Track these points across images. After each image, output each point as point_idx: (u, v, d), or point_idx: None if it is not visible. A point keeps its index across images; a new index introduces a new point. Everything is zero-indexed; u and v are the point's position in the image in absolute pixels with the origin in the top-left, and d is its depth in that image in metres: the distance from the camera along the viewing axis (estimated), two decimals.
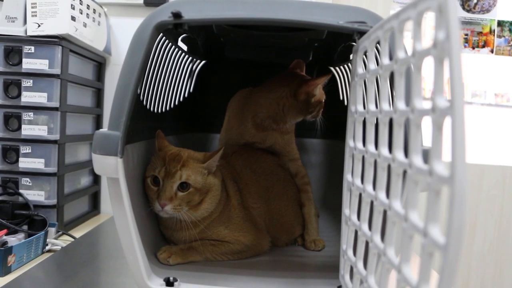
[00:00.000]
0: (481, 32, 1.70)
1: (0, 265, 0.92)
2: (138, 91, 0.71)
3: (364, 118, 0.54)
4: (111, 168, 0.57)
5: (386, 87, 0.46)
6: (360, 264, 0.55)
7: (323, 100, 1.01)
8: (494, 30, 1.70)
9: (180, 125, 1.22)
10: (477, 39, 1.70)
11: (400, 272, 0.39)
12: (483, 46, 1.70)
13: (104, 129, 0.62)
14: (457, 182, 0.28)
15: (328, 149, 1.35)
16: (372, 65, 0.50)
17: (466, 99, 2.52)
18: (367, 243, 0.52)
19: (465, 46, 1.71)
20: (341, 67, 1.13)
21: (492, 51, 1.71)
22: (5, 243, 1.02)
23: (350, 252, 0.60)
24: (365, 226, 0.53)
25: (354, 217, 0.58)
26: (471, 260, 1.74)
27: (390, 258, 0.43)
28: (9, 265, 0.95)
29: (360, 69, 0.56)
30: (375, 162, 0.49)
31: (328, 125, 1.33)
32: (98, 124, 1.56)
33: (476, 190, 1.72)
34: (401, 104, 0.40)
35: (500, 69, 2.09)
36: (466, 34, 1.71)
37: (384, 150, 0.45)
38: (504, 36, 1.71)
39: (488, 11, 1.69)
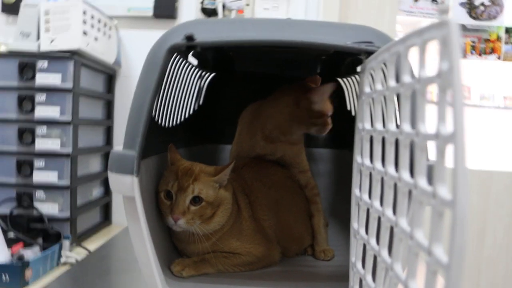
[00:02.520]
0: (488, 39, 1.71)
1: (18, 280, 0.95)
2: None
3: (371, 136, 0.55)
4: (127, 186, 0.59)
5: (393, 107, 0.47)
6: (369, 277, 0.57)
7: (329, 114, 1.00)
8: (501, 37, 1.71)
9: (191, 137, 1.24)
10: (484, 46, 1.71)
11: (407, 287, 0.41)
12: (490, 53, 1.71)
13: (119, 147, 0.64)
14: (458, 206, 0.30)
15: (336, 159, 1.36)
16: (379, 86, 0.52)
17: (475, 102, 2.52)
18: (375, 257, 0.53)
19: (472, 53, 1.71)
20: (349, 78, 1.15)
21: (499, 58, 1.72)
22: (22, 256, 1.04)
23: (359, 265, 0.61)
24: (373, 241, 0.55)
25: (362, 231, 0.60)
26: (480, 265, 1.74)
27: (397, 273, 0.44)
28: (26, 279, 0.97)
29: (367, 88, 0.58)
30: (382, 179, 0.50)
31: (336, 135, 1.35)
32: (108, 136, 1.59)
33: (485, 195, 1.73)
34: (406, 127, 0.42)
35: (508, 75, 2.10)
36: (474, 41, 1.72)
37: (391, 168, 0.47)
38: (511, 43, 1.72)
39: (495, 18, 1.70)
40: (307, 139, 1.14)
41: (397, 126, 0.46)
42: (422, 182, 0.38)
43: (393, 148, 0.47)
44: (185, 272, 0.82)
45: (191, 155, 1.20)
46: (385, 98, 0.50)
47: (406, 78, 0.42)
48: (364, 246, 0.59)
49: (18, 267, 0.95)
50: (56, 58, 1.23)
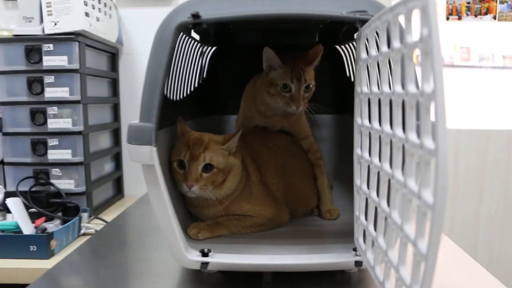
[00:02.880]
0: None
1: (45, 249, 1.02)
2: None
3: (369, 98, 0.60)
4: (147, 156, 0.64)
5: (386, 71, 0.52)
6: (371, 227, 0.62)
7: (312, 85, 0.99)
8: None
9: (196, 109, 1.29)
10: (479, 7, 1.73)
11: (402, 230, 0.46)
12: (486, 13, 1.73)
13: (135, 121, 0.69)
14: (440, 154, 0.35)
15: (338, 123, 1.41)
16: (373, 52, 0.57)
17: (474, 63, 2.54)
18: (376, 209, 0.59)
19: (467, 14, 1.74)
20: (347, 45, 1.18)
21: (495, 18, 1.74)
22: (45, 229, 1.11)
23: (362, 218, 0.67)
24: (373, 194, 0.60)
25: (364, 187, 0.66)
26: (479, 221, 1.81)
27: (394, 219, 0.50)
28: (52, 249, 1.04)
29: (363, 54, 0.62)
30: (380, 137, 0.56)
31: (337, 101, 1.40)
32: (116, 113, 1.64)
33: (483, 154, 1.78)
34: (398, 88, 0.47)
35: (505, 34, 2.12)
36: (468, 2, 1.73)
37: (387, 127, 0.52)
38: (506, 2, 1.73)
39: None
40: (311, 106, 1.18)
41: (391, 88, 0.51)
42: (412, 136, 0.43)
43: (388, 108, 0.52)
44: (201, 234, 0.88)
45: (197, 126, 1.25)
46: (379, 63, 0.54)
47: (395, 44, 0.47)
48: (366, 200, 0.65)
49: (44, 238, 1.02)
50: (61, 40, 1.27)
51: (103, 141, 1.53)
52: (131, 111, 1.68)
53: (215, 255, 0.71)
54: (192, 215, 0.97)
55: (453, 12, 1.76)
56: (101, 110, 1.51)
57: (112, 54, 1.60)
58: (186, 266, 0.73)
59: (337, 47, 1.27)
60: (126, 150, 1.67)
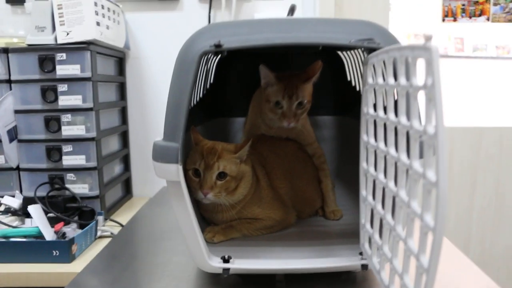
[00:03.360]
0: (477, 1, 1.79)
1: (67, 254, 1.08)
2: None
3: (375, 120, 0.67)
4: (173, 173, 0.71)
5: (392, 100, 0.58)
6: (376, 235, 0.69)
7: (306, 101, 1.04)
8: None
9: (204, 114, 1.34)
10: (474, 9, 1.79)
11: (406, 243, 0.53)
12: (480, 15, 1.79)
13: (159, 139, 0.75)
14: (441, 187, 0.41)
15: (339, 125, 1.47)
16: (380, 80, 0.63)
17: (468, 53, 2.59)
18: (381, 220, 0.66)
19: (462, 16, 1.80)
20: (349, 52, 1.24)
21: (488, 19, 1.80)
22: (64, 233, 1.17)
23: (368, 226, 0.74)
24: (379, 206, 0.67)
25: (370, 198, 0.72)
26: (472, 214, 1.89)
27: (398, 233, 0.57)
28: (73, 253, 1.10)
29: (370, 80, 0.68)
30: (385, 157, 0.62)
31: (338, 103, 1.46)
32: (124, 115, 1.69)
33: (476, 149, 1.85)
34: (403, 119, 0.53)
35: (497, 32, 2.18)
36: (463, 4, 1.79)
37: (392, 149, 0.58)
38: (499, 4, 1.79)
39: None
40: (312, 107, 1.25)
41: (396, 115, 0.57)
42: (416, 165, 0.49)
43: (393, 133, 0.58)
44: (215, 238, 0.95)
45: (205, 129, 1.31)
46: (385, 90, 0.61)
47: (402, 81, 0.53)
48: (372, 210, 0.72)
49: (66, 243, 1.08)
50: (73, 49, 1.31)
51: (113, 144, 1.59)
52: (139, 114, 1.73)
53: (235, 261, 0.78)
54: (205, 219, 1.04)
55: (449, 14, 1.82)
56: (110, 114, 1.56)
57: (120, 59, 1.65)
58: (209, 271, 0.80)
59: (339, 52, 1.33)
60: (134, 152, 1.74)
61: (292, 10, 1.03)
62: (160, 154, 0.72)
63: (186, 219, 0.74)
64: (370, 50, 0.69)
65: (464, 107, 2.28)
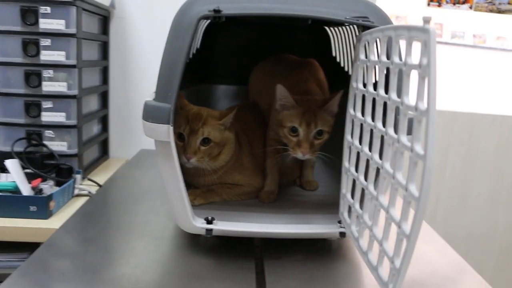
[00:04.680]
0: None
1: (45, 210, 1.08)
2: None
3: (363, 95, 0.69)
4: (163, 134, 0.72)
5: (383, 77, 0.61)
6: (357, 205, 0.73)
7: (325, 131, 0.93)
8: None
9: (188, 79, 1.35)
10: None
11: (388, 212, 0.57)
12: (464, 3, 1.83)
13: (149, 99, 0.76)
14: (428, 160, 0.44)
15: None
16: (372, 56, 0.65)
17: (446, 39, 2.65)
18: (362, 190, 0.69)
19: (447, 2, 1.83)
20: (337, 28, 1.26)
21: (471, 7, 1.84)
22: (41, 190, 1.17)
23: (348, 196, 0.77)
24: (361, 177, 0.70)
25: (352, 169, 0.75)
26: (439, 194, 1.97)
27: (381, 202, 0.60)
28: (51, 209, 1.10)
29: (362, 56, 0.71)
30: (371, 130, 0.65)
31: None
32: (105, 76, 1.67)
33: (448, 134, 1.92)
34: (393, 95, 0.56)
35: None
36: None
37: (379, 123, 0.61)
38: None
39: None
40: None
41: (386, 92, 0.60)
42: (404, 139, 0.52)
43: (381, 108, 0.61)
44: (196, 201, 0.98)
45: (189, 95, 1.32)
46: (375, 67, 0.63)
47: (395, 59, 0.55)
48: (353, 181, 0.75)
49: (44, 199, 1.08)
50: (58, 3, 1.28)
51: (93, 103, 1.58)
52: (120, 75, 1.72)
53: (218, 223, 0.80)
54: (187, 182, 1.06)
55: None
56: (92, 73, 1.54)
57: (104, 17, 1.62)
58: (192, 232, 0.82)
59: (327, 28, 1.35)
60: (113, 113, 1.72)
61: None
62: (151, 114, 0.72)
63: (173, 180, 0.76)
64: (364, 28, 0.71)
65: (440, 91, 2.34)
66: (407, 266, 0.51)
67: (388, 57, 0.58)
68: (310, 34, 1.49)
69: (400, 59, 0.54)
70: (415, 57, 0.50)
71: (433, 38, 0.45)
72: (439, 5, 1.84)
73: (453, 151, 1.93)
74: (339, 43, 1.27)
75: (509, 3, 1.82)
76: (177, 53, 0.71)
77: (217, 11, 0.68)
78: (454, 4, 1.81)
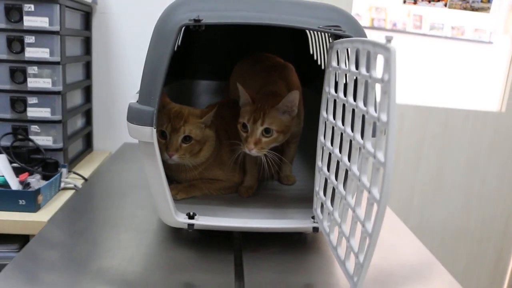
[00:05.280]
0: None
1: (33, 203, 1.11)
2: None
3: (335, 99, 0.74)
4: (147, 135, 0.76)
5: (352, 85, 0.66)
6: (328, 203, 0.78)
7: (274, 130, 0.95)
8: None
9: (171, 75, 1.38)
10: None
11: (354, 211, 0.62)
12: (438, 0, 1.89)
13: (133, 101, 0.80)
14: (387, 167, 0.50)
15: None
16: (342, 65, 0.70)
17: (424, 31, 2.70)
18: (333, 189, 0.75)
19: (422, 0, 1.89)
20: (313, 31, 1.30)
21: (445, 5, 1.90)
22: (28, 183, 1.20)
23: (321, 193, 0.83)
24: (332, 177, 0.75)
25: (324, 169, 0.81)
26: (414, 188, 2.05)
27: (348, 202, 0.65)
28: (39, 203, 1.14)
29: (334, 63, 0.75)
30: (341, 134, 0.70)
31: (299, 75, 1.53)
32: (88, 71, 1.69)
33: (423, 128, 1.99)
34: (360, 104, 0.61)
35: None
36: None
37: (348, 128, 0.66)
38: None
39: None
40: None
41: (354, 99, 0.65)
42: (368, 145, 0.57)
43: (350, 114, 0.66)
44: (178, 195, 1.02)
45: (171, 91, 1.36)
46: (346, 75, 0.68)
47: (362, 70, 0.60)
48: (326, 179, 0.80)
49: (33, 193, 1.12)
50: (42, 1, 1.29)
51: (76, 98, 1.60)
52: (103, 69, 1.74)
53: (199, 218, 0.85)
54: (168, 177, 1.10)
55: None
56: (75, 68, 1.56)
57: (86, 13, 1.63)
58: (174, 226, 0.87)
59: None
60: (96, 107, 1.75)
61: None
62: (135, 116, 0.76)
63: (156, 178, 0.80)
64: (336, 36, 0.76)
65: (417, 84, 2.40)
66: (370, 261, 0.56)
67: (356, 67, 0.63)
68: (290, 33, 1.54)
69: (367, 71, 0.59)
70: (379, 71, 0.55)
71: (393, 56, 0.49)
72: (415, 2, 1.90)
73: (428, 145, 2.01)
74: (317, 44, 1.32)
75: (482, 1, 1.89)
76: (159, 59, 0.75)
77: (197, 20, 0.71)
78: (429, 2, 1.87)
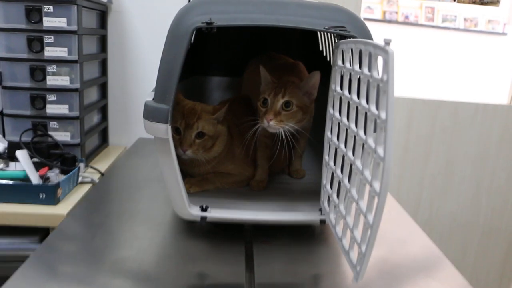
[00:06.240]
0: None
1: (53, 197, 1.17)
2: None
3: (340, 97, 0.78)
4: (162, 132, 0.80)
5: (356, 83, 0.69)
6: (334, 196, 0.82)
7: (294, 104, 0.97)
8: None
9: (184, 72, 1.42)
10: None
11: (357, 204, 0.65)
12: None
13: (149, 99, 0.84)
14: (386, 162, 0.53)
15: None
16: (347, 64, 0.73)
17: (437, 23, 2.70)
18: (339, 182, 0.78)
19: None
20: None
21: (455, 0, 1.92)
22: (48, 178, 1.25)
23: (328, 187, 0.86)
24: (338, 171, 0.79)
25: (331, 163, 0.84)
26: (423, 181, 2.07)
27: (353, 195, 0.69)
28: (58, 196, 1.19)
29: (339, 61, 0.79)
30: (347, 130, 0.73)
31: (309, 70, 1.56)
32: (104, 67, 1.74)
33: (432, 121, 2.01)
34: (363, 101, 0.64)
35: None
36: None
37: (352, 125, 0.70)
38: None
39: None
40: None
41: (358, 97, 0.68)
42: (370, 141, 0.61)
43: (355, 111, 0.70)
44: (192, 189, 1.07)
45: (184, 87, 1.40)
46: (350, 75, 0.71)
47: (365, 70, 0.63)
48: (332, 173, 0.84)
49: (53, 187, 1.17)
50: (60, 2, 1.35)
51: (93, 94, 1.65)
52: (118, 66, 1.79)
53: (212, 210, 0.89)
54: (182, 171, 1.14)
55: None
56: (92, 66, 1.62)
57: (102, 12, 1.68)
58: (188, 219, 0.91)
59: None
60: (112, 102, 1.80)
61: None
62: (151, 114, 0.80)
63: (171, 172, 0.84)
64: (342, 36, 0.79)
65: (428, 77, 2.41)
66: (371, 251, 0.60)
67: (360, 67, 0.67)
68: (300, 30, 1.56)
69: (369, 71, 0.63)
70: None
71: (391, 58, 0.53)
72: None
73: (437, 139, 2.02)
74: (325, 41, 1.35)
75: None
76: (174, 60, 0.79)
77: (209, 23, 0.75)
78: None
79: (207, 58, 1.60)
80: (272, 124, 0.94)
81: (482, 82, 2.41)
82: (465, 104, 2.00)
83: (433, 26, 2.70)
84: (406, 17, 2.81)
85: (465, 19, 2.69)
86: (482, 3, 1.90)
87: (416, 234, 1.06)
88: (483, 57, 2.48)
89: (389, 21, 2.84)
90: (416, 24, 2.73)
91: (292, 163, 1.26)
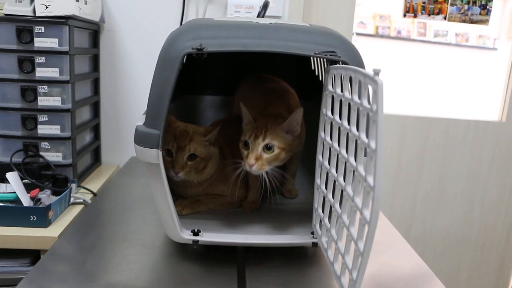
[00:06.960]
0: (436, 0, 1.93)
1: (44, 219, 1.16)
2: None
3: (331, 122, 0.78)
4: (153, 157, 0.80)
5: (346, 110, 0.70)
6: (326, 219, 0.82)
7: (276, 147, 0.94)
8: None
9: (176, 92, 1.42)
10: (433, 7, 1.93)
11: (348, 230, 0.65)
12: (438, 13, 1.93)
13: (140, 123, 0.84)
14: (376, 191, 0.53)
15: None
16: (338, 89, 0.74)
17: (429, 38, 2.73)
18: (331, 207, 0.78)
19: (422, 13, 1.93)
20: None
21: (445, 18, 1.95)
22: (39, 199, 1.24)
23: (320, 210, 0.86)
24: (329, 195, 0.79)
25: (323, 187, 0.84)
26: (417, 197, 2.07)
27: (344, 220, 0.69)
28: (49, 218, 1.18)
29: (330, 86, 0.79)
30: (337, 155, 0.74)
31: (302, 88, 1.57)
32: (96, 87, 1.74)
33: (424, 138, 2.02)
34: (354, 129, 0.65)
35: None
36: (424, 2, 1.93)
37: (343, 150, 0.70)
38: (456, 5, 1.94)
39: None
40: None
41: (348, 123, 0.69)
42: (360, 169, 0.61)
43: (345, 137, 0.70)
44: (184, 211, 1.06)
45: (176, 107, 1.40)
46: (341, 101, 0.72)
47: (355, 97, 0.64)
48: (324, 197, 0.84)
49: (44, 209, 1.16)
50: (52, 23, 1.35)
51: (85, 113, 1.65)
52: (111, 85, 1.79)
53: (203, 234, 0.89)
54: (174, 193, 1.14)
55: (410, 10, 1.96)
56: (84, 85, 1.61)
57: (94, 31, 1.69)
58: (180, 242, 0.91)
59: None
60: (105, 121, 1.79)
61: (265, 7, 1.11)
62: (142, 139, 0.80)
63: (162, 197, 0.84)
64: (332, 61, 0.79)
65: (419, 93, 2.42)
66: (362, 278, 0.59)
67: (350, 93, 0.67)
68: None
69: (359, 98, 0.63)
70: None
71: (380, 89, 0.53)
72: (415, 16, 1.94)
73: (430, 155, 2.03)
74: (317, 61, 1.36)
75: (480, 14, 1.92)
76: (164, 84, 0.79)
77: (199, 49, 0.76)
78: (429, 15, 1.91)
79: (199, 78, 1.60)
80: (254, 169, 0.93)
81: (473, 97, 2.42)
82: (456, 121, 2.02)
83: (425, 41, 2.73)
84: (399, 32, 2.85)
85: (456, 34, 2.71)
86: (472, 22, 1.93)
87: (407, 252, 1.06)
88: (474, 72, 2.50)
89: (381, 36, 2.87)
90: (408, 39, 2.76)
91: (284, 183, 1.25)
